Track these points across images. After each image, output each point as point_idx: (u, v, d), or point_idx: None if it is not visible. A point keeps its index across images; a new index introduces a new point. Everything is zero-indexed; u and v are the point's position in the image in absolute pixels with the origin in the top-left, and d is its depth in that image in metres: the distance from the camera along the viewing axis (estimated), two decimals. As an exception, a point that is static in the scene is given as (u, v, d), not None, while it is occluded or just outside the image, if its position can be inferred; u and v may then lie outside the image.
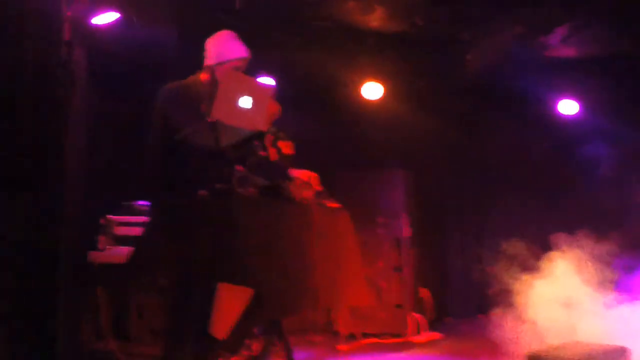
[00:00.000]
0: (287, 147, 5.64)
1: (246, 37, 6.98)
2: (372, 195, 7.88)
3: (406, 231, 7.86)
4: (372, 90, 8.34)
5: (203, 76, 4.84)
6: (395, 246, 7.84)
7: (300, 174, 5.03)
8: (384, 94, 8.31)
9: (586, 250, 6.07)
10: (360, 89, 8.36)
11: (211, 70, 4.82)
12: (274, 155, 5.77)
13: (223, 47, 4.92)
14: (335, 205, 5.23)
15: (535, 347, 5.09)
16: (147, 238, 4.47)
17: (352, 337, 7.59)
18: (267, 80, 7.72)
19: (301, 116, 7.95)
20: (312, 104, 8.07)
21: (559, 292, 5.88)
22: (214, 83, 4.57)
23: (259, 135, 4.74)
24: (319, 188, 5.01)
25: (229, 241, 4.06)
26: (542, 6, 7.42)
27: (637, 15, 7.56)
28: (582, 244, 6.22)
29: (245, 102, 4.39)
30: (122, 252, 5.20)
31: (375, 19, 7.73)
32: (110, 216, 5.91)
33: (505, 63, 8.55)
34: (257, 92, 4.50)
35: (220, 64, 4.87)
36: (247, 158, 4.75)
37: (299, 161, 6.67)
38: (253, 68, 7.61)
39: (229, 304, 4.00)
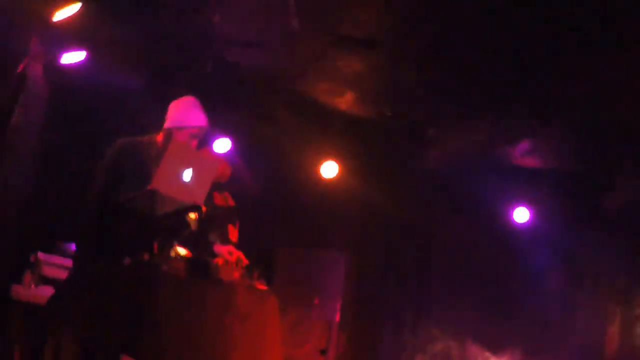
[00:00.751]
0: (223, 199, 5.54)
1: (211, 99, 7.03)
2: (312, 275, 7.79)
3: (338, 315, 7.75)
4: (328, 169, 8.30)
5: (159, 138, 4.78)
6: (325, 329, 7.69)
7: (226, 251, 4.95)
8: (339, 173, 8.26)
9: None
10: (317, 167, 8.31)
11: (168, 133, 4.76)
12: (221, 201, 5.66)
13: (183, 113, 4.91)
14: (262, 287, 5.13)
15: None
16: (63, 293, 4.34)
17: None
18: (225, 141, 7.67)
19: (252, 183, 7.91)
20: (267, 175, 8.00)
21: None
22: (165, 147, 4.51)
23: (195, 209, 4.64)
24: (245, 261, 4.93)
25: (141, 316, 3.95)
26: (513, 117, 7.46)
27: (599, 135, 7.64)
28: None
29: (187, 175, 4.32)
30: (46, 294, 5.07)
31: (346, 102, 7.74)
32: (41, 254, 5.77)
33: (466, 164, 8.57)
34: (202, 166, 4.44)
35: (178, 128, 4.86)
36: (180, 231, 4.64)
37: (244, 233, 6.62)
38: (213, 127, 7.67)
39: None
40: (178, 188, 4.31)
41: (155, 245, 4.36)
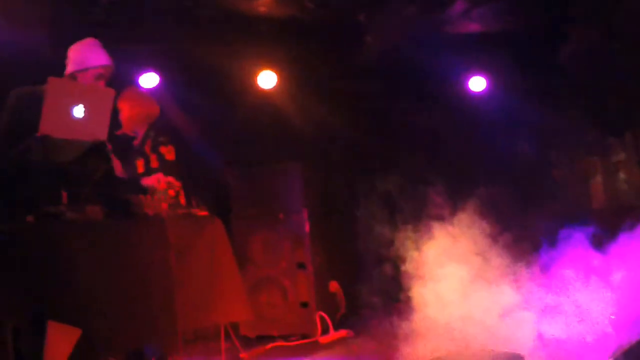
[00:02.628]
0: (169, 153, 5.27)
1: (121, 32, 6.60)
2: (270, 192, 7.48)
3: (306, 226, 7.47)
4: (266, 79, 7.91)
5: None
6: (298, 243, 7.43)
7: (154, 181, 4.60)
8: (277, 82, 7.88)
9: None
10: (254, 79, 7.92)
11: (70, 78, 4.42)
12: (154, 162, 5.39)
13: (84, 55, 4.64)
14: (203, 213, 4.81)
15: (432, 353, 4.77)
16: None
17: (259, 340, 7.21)
18: (151, 76, 7.31)
19: (191, 112, 7.56)
20: (203, 99, 7.61)
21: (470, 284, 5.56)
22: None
23: (101, 146, 4.27)
24: (175, 195, 4.58)
25: (54, 272, 3.61)
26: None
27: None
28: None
29: (79, 111, 3.94)
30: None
31: (263, 4, 7.32)
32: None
33: (406, 42, 8.20)
34: (93, 98, 4.05)
35: (80, 71, 4.61)
36: (94, 172, 4.28)
37: (190, 161, 6.29)
38: (136, 64, 7.27)
39: (58, 344, 3.57)
40: (72, 128, 3.94)
41: (65, 195, 3.98)
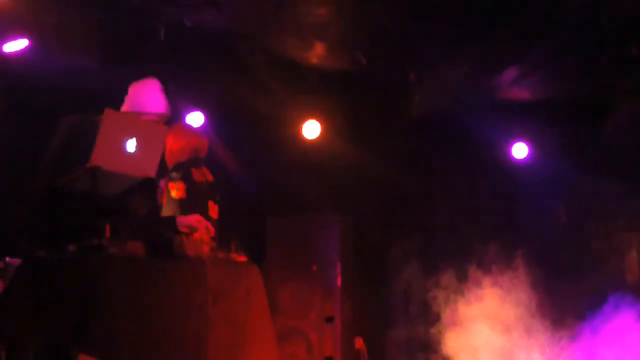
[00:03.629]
0: (177, 190, 5.16)
1: (172, 67, 6.61)
2: (306, 242, 7.40)
3: (339, 280, 7.37)
4: (310, 129, 7.89)
5: None
6: (328, 296, 7.33)
7: (194, 220, 4.53)
8: (322, 132, 7.85)
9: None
10: (298, 128, 7.90)
11: None
12: (164, 199, 5.30)
13: (142, 98, 4.61)
14: (241, 259, 4.72)
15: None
16: (9, 292, 3.94)
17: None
18: (197, 116, 7.30)
19: (233, 155, 7.54)
20: (246, 143, 7.59)
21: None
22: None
23: (149, 183, 4.22)
24: (212, 231, 4.51)
25: (91, 307, 3.54)
26: (492, 45, 7.04)
27: (589, 60, 7.24)
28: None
29: (131, 145, 3.90)
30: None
31: (316, 56, 7.32)
32: (9, 259, 5.35)
33: (455, 104, 8.18)
34: (146, 134, 4.02)
35: (135, 114, 4.53)
36: (138, 209, 4.23)
37: (230, 204, 6.22)
38: (184, 102, 7.29)
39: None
40: (123, 161, 3.90)
41: (108, 228, 3.93)
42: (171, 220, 4.58)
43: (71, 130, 4.35)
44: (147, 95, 4.67)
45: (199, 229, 4.53)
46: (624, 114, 8.28)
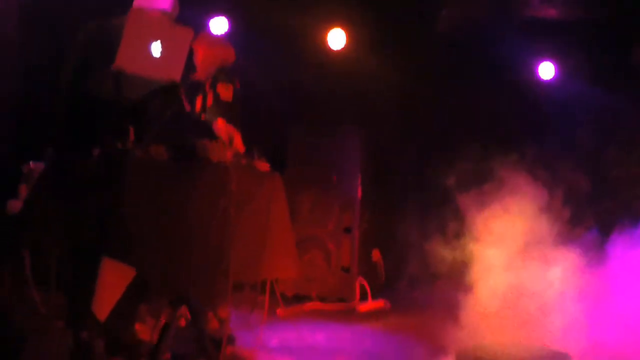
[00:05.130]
0: (227, 91, 5.13)
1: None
2: (327, 153, 7.43)
3: (359, 192, 7.39)
4: (336, 39, 7.78)
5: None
6: (348, 207, 7.35)
7: (223, 130, 4.52)
8: (347, 43, 7.75)
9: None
10: (324, 38, 7.79)
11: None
12: (210, 99, 5.29)
13: None
14: (264, 167, 4.74)
15: (470, 343, 4.67)
16: (34, 195, 3.97)
17: (296, 299, 7.17)
18: (221, 21, 7.21)
19: (255, 63, 7.46)
20: (270, 51, 7.51)
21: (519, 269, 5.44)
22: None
23: (174, 87, 4.19)
24: (241, 148, 4.50)
25: (116, 209, 3.58)
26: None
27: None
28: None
29: (157, 49, 3.87)
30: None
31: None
32: (33, 164, 5.39)
33: (483, 20, 8.03)
34: (172, 37, 3.98)
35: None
36: (163, 112, 4.22)
37: (250, 112, 6.20)
38: (207, 7, 7.19)
39: (112, 282, 3.55)
40: (148, 65, 3.89)
41: (132, 131, 3.93)
42: (204, 125, 4.56)
43: (91, 37, 4.30)
44: None
45: (234, 138, 4.52)
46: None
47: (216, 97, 5.49)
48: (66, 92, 4.16)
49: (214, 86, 5.55)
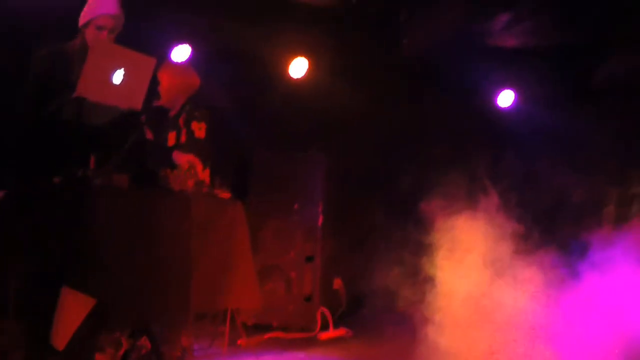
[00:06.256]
0: (200, 130, 5.14)
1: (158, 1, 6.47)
2: (290, 180, 7.38)
3: (321, 220, 7.38)
4: (298, 67, 7.80)
5: (75, 41, 4.28)
6: (309, 235, 7.33)
7: (183, 159, 4.50)
8: (309, 70, 7.77)
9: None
10: (285, 65, 7.82)
11: (81, 33, 4.26)
12: (183, 136, 5.29)
13: (89, 5, 4.38)
14: (225, 195, 4.71)
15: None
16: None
17: (257, 328, 7.12)
18: (184, 48, 7.19)
19: (219, 90, 7.45)
20: (233, 78, 7.50)
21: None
22: (83, 50, 4.02)
23: (135, 115, 4.17)
24: (202, 176, 4.48)
25: (77, 237, 3.52)
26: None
27: (581, 8, 7.18)
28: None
29: (118, 77, 3.84)
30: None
31: (306, -8, 7.20)
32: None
33: (444, 48, 8.10)
34: (133, 65, 3.95)
35: (86, 24, 4.36)
36: (124, 140, 4.18)
37: (216, 141, 6.18)
38: (170, 35, 7.16)
39: (71, 311, 3.48)
40: (109, 92, 3.84)
41: (93, 160, 3.88)
42: (164, 154, 4.53)
43: (46, 62, 4.26)
44: (93, 2, 4.42)
45: (195, 166, 4.50)
46: (613, 67, 8.25)
47: (190, 134, 5.49)
48: (25, 120, 4.09)
49: (188, 123, 5.55)
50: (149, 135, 4.80)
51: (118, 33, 4.41)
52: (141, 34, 5.30)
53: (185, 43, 7.28)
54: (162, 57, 6.40)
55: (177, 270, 4.10)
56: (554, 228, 7.98)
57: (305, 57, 7.95)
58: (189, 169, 4.51)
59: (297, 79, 7.96)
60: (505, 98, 8.78)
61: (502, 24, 7.72)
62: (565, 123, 8.30)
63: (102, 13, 4.31)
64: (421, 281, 5.79)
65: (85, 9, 4.39)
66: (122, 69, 3.90)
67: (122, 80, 3.88)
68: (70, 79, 4.02)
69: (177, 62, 6.14)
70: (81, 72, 3.83)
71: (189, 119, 5.56)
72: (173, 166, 4.48)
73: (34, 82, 4.21)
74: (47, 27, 5.35)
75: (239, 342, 6.57)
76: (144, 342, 4.47)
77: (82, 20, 4.37)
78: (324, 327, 7.37)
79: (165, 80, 5.51)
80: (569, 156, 8.70)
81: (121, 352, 4.23)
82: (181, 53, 7.24)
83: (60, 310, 3.52)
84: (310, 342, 7.04)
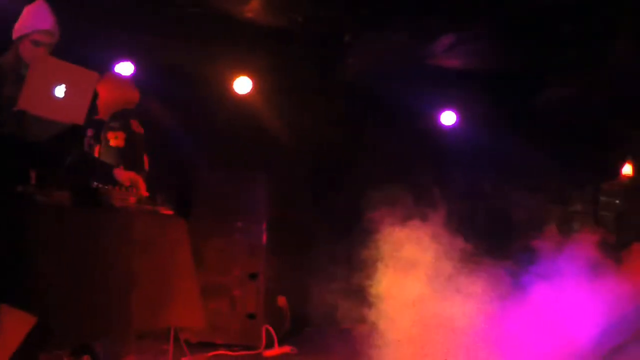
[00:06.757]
0: (116, 139, 5.09)
1: (100, 15, 6.44)
2: (232, 198, 7.37)
3: (264, 237, 7.38)
4: (242, 85, 7.83)
5: (8, 55, 4.24)
6: (253, 253, 7.33)
7: (124, 176, 4.47)
8: (253, 89, 7.80)
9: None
10: (229, 83, 7.83)
11: (15, 47, 4.23)
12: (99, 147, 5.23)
13: (24, 19, 4.32)
14: (168, 212, 4.69)
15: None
16: None
17: (201, 346, 7.06)
18: (126, 66, 7.17)
19: (161, 107, 7.43)
20: (176, 95, 7.48)
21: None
22: (17, 64, 3.98)
23: (77, 130, 4.13)
24: (144, 193, 4.45)
25: (17, 255, 3.48)
26: (429, 14, 7.06)
27: (524, 34, 7.34)
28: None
29: (60, 91, 3.81)
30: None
31: (251, 10, 7.23)
32: None
33: (388, 69, 8.20)
34: (76, 80, 3.92)
35: (20, 38, 4.30)
36: (66, 156, 4.14)
37: (157, 157, 6.15)
38: (112, 52, 7.13)
39: (11, 330, 3.43)
40: (51, 107, 3.81)
41: (33, 175, 3.84)
42: (109, 170, 4.49)
43: None
44: (28, 16, 4.36)
45: (138, 184, 4.47)
46: (554, 90, 8.44)
47: (105, 143, 5.44)
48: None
49: (105, 134, 5.52)
50: (94, 151, 4.76)
51: (53, 48, 4.37)
52: (86, 49, 5.30)
53: (129, 60, 7.27)
54: (104, 72, 6.37)
55: (118, 288, 4.06)
56: (498, 243, 8.10)
57: (248, 76, 7.97)
58: (131, 186, 4.47)
59: (240, 98, 7.97)
60: (448, 118, 8.90)
61: (445, 46, 7.83)
62: (507, 143, 8.43)
63: (39, 28, 4.27)
64: (365, 297, 5.81)
65: (20, 22, 4.33)
66: (64, 83, 3.86)
67: (64, 94, 3.85)
68: (3, 93, 3.97)
69: (115, 75, 6.10)
70: (20, 86, 3.78)
71: (106, 129, 5.51)
72: (114, 183, 4.44)
73: None
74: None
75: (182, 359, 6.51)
76: (86, 361, 4.42)
77: (16, 34, 4.32)
78: (269, 344, 7.35)
79: (102, 93, 5.47)
80: (511, 175, 8.84)
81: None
82: (124, 70, 7.24)
83: (0, 329, 3.46)
84: (255, 360, 7.01)
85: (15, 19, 4.44)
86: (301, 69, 8.04)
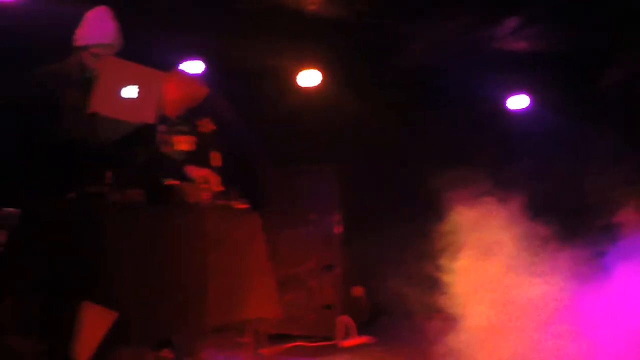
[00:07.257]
0: (183, 143, 5.15)
1: (165, 17, 6.54)
2: (304, 191, 7.45)
3: (338, 228, 7.40)
4: (309, 78, 7.86)
5: (71, 61, 4.33)
6: (328, 244, 7.36)
7: (197, 173, 4.54)
8: (320, 82, 7.82)
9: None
10: (294, 77, 7.87)
11: (77, 54, 4.31)
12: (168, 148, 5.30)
13: (86, 29, 4.40)
14: (242, 206, 4.74)
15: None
16: (13, 241, 3.96)
17: (279, 338, 7.13)
18: (196, 64, 7.26)
19: (230, 104, 7.50)
20: (243, 91, 7.55)
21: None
22: (81, 70, 4.07)
23: (148, 129, 4.21)
24: (218, 188, 4.51)
25: (95, 253, 3.57)
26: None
27: (588, 12, 7.20)
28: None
29: (130, 91, 3.90)
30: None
31: (313, 3, 7.25)
32: (10, 209, 5.36)
33: (452, 54, 8.14)
34: (144, 80, 4.00)
35: (82, 48, 4.38)
36: (138, 155, 4.23)
37: (226, 153, 6.21)
38: (179, 52, 7.23)
39: (92, 326, 3.53)
40: (122, 108, 3.90)
41: (109, 175, 3.94)
42: (179, 166, 4.56)
43: (49, 81, 4.28)
44: (91, 26, 4.43)
45: (210, 179, 4.53)
46: (620, 68, 8.26)
47: (174, 145, 5.48)
48: (37, 138, 4.14)
49: (173, 136, 5.56)
50: (166, 149, 4.84)
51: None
52: (152, 51, 5.39)
53: (196, 59, 7.37)
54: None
55: (194, 282, 4.13)
56: (576, 226, 7.98)
57: (316, 68, 8.00)
58: (203, 182, 4.54)
59: (307, 92, 7.99)
60: (518, 102, 8.78)
61: (510, 29, 7.73)
62: (579, 124, 8.30)
63: (99, 43, 4.35)
64: (442, 284, 5.78)
65: (81, 31, 4.41)
66: (133, 83, 3.94)
67: (134, 95, 3.93)
68: (70, 98, 4.06)
69: (182, 73, 6.16)
70: (85, 89, 3.88)
71: (174, 132, 5.54)
72: (187, 179, 4.51)
73: (37, 100, 4.22)
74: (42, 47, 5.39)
75: (262, 351, 6.57)
76: (167, 355, 4.50)
77: (78, 42, 4.40)
78: (347, 335, 7.36)
79: (169, 92, 5.50)
80: (584, 157, 8.69)
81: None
82: (191, 68, 7.32)
83: (82, 326, 3.56)
84: (332, 350, 7.04)
85: (75, 23, 4.52)
86: (365, 58, 8.03)
